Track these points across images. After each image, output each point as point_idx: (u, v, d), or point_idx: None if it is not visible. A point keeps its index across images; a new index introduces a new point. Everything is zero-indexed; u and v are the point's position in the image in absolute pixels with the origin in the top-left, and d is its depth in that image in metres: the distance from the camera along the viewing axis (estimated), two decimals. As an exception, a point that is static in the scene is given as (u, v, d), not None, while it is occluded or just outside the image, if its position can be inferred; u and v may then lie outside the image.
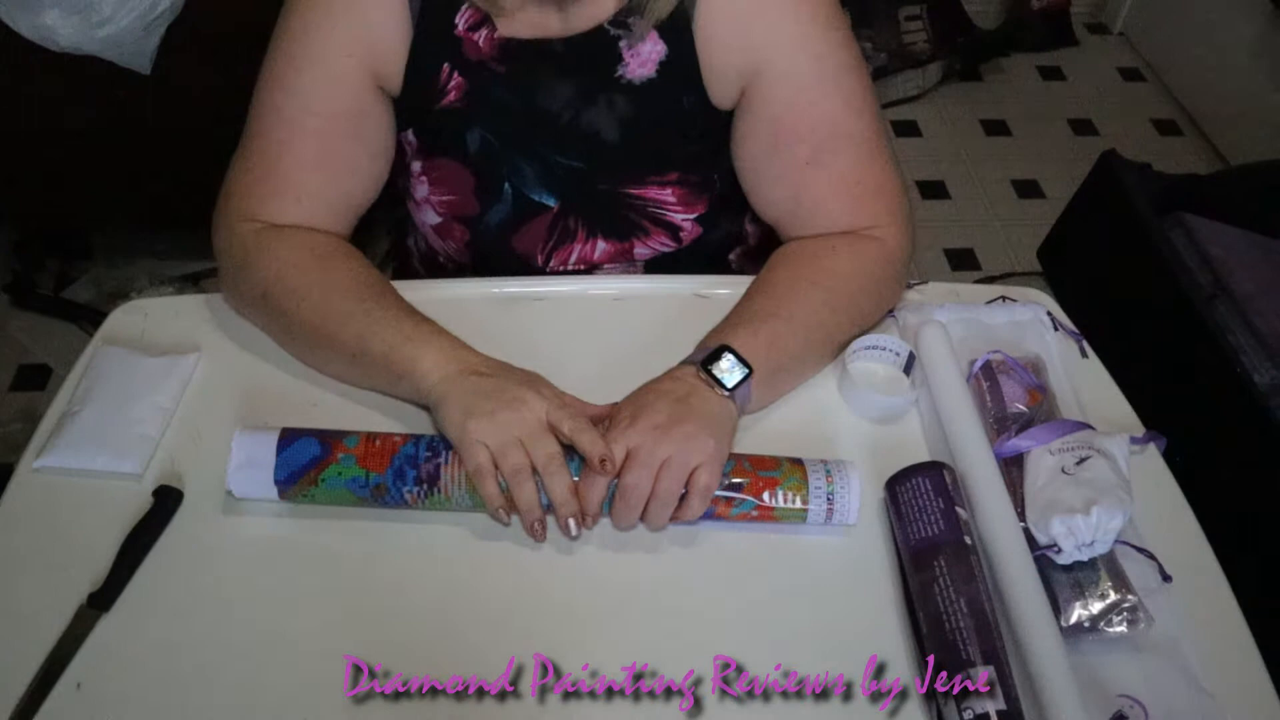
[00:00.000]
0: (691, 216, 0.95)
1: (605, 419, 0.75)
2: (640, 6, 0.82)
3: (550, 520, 0.73)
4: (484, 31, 0.84)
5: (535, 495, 0.71)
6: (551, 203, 0.94)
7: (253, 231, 0.82)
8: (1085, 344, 0.88)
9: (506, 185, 0.93)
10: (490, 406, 0.71)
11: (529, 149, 0.91)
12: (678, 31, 0.84)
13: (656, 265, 0.99)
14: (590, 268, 0.98)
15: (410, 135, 0.91)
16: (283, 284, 0.80)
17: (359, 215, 0.89)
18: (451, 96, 0.87)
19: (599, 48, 0.84)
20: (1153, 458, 0.81)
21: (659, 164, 0.92)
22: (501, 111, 0.88)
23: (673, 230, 0.96)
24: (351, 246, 0.85)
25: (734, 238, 1.06)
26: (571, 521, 0.71)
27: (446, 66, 0.85)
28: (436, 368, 0.75)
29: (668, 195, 0.93)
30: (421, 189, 0.95)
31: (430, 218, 0.97)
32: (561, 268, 0.98)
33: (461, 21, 0.84)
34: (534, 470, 0.71)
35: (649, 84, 0.86)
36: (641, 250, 0.97)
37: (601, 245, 0.96)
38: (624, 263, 0.98)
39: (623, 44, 0.84)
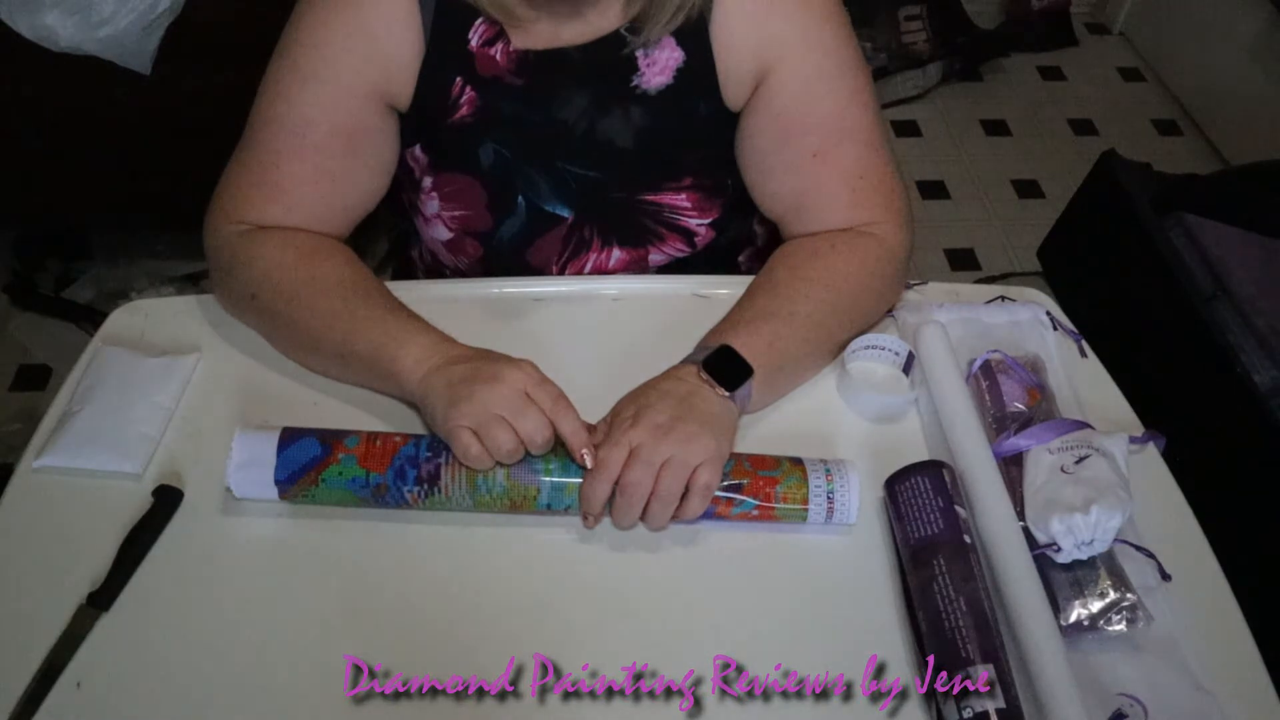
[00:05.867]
0: (706, 221, 0.95)
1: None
2: (654, 15, 0.82)
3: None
4: (499, 45, 0.84)
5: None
6: (566, 214, 0.93)
7: (240, 233, 0.82)
8: (1084, 344, 0.88)
9: (520, 198, 0.92)
10: (468, 390, 0.70)
11: (543, 161, 0.90)
12: (696, 38, 0.84)
13: (666, 270, 0.99)
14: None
15: (418, 151, 0.91)
16: (270, 285, 0.80)
17: (353, 225, 0.88)
18: (464, 111, 0.86)
19: (615, 56, 0.84)
20: (1152, 457, 0.81)
21: (673, 170, 0.92)
22: (515, 124, 0.87)
23: (688, 235, 0.96)
24: (339, 244, 0.85)
25: (743, 239, 1.06)
26: (585, 454, 0.71)
27: (459, 81, 0.85)
28: (419, 365, 0.74)
29: (682, 200, 0.93)
30: (432, 205, 0.95)
31: (441, 234, 0.97)
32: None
33: (475, 37, 0.83)
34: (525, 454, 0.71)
35: (666, 92, 0.86)
36: (656, 257, 0.97)
37: (617, 254, 0.96)
38: (637, 271, 0.98)
39: (639, 53, 0.84)
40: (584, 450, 0.71)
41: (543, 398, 0.71)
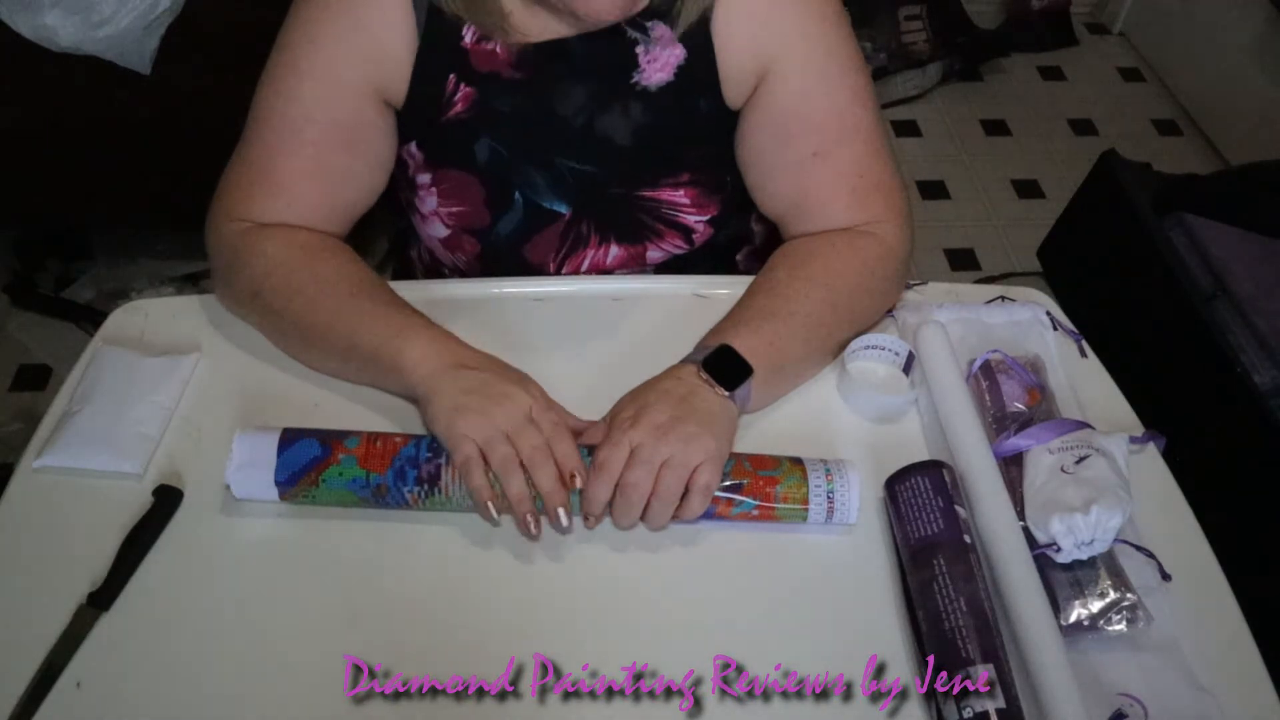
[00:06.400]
0: (704, 218, 0.95)
1: (582, 432, 0.76)
2: (661, 12, 0.82)
3: (550, 526, 0.73)
4: (497, 39, 0.84)
5: (525, 487, 0.70)
6: (563, 210, 0.93)
7: (240, 231, 0.82)
8: (1084, 344, 0.88)
9: (517, 194, 0.92)
10: (477, 402, 0.72)
11: (540, 157, 0.90)
12: (697, 35, 0.84)
13: (665, 268, 0.99)
14: (602, 274, 0.98)
15: (414, 148, 0.91)
16: (273, 282, 0.80)
17: (353, 222, 0.89)
18: (458, 108, 0.86)
19: (615, 50, 0.84)
20: (1153, 457, 0.81)
21: (672, 166, 0.92)
22: (512, 120, 0.87)
23: (685, 232, 0.96)
24: (341, 243, 0.85)
25: (741, 238, 1.06)
26: (561, 511, 0.71)
27: (453, 78, 0.85)
28: (424, 361, 0.75)
29: (680, 196, 0.93)
30: (429, 202, 0.95)
31: (438, 231, 0.97)
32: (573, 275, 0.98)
33: (469, 34, 0.83)
34: (522, 465, 0.71)
35: (666, 89, 0.86)
36: (654, 253, 0.97)
37: (614, 250, 0.96)
38: (635, 267, 0.98)
39: (639, 49, 0.84)
40: (574, 472, 0.71)
41: (545, 424, 0.72)
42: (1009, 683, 0.63)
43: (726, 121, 0.89)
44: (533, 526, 0.71)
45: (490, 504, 0.71)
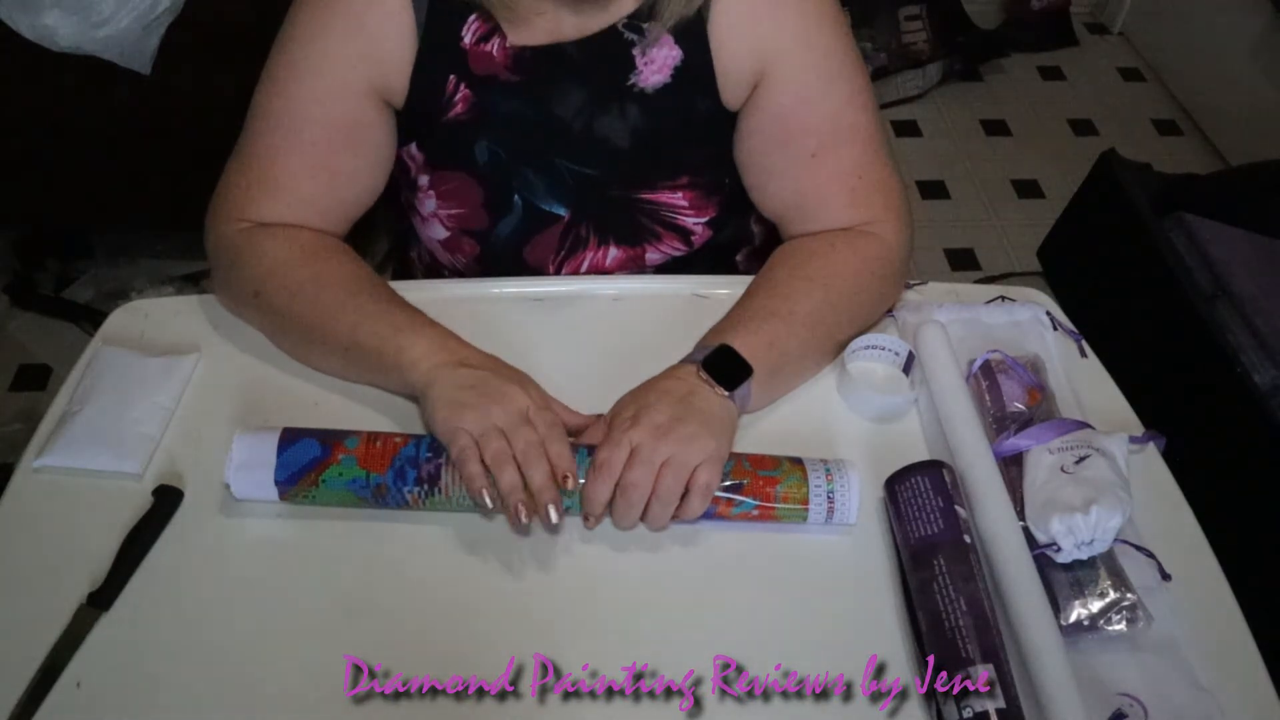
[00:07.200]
0: (703, 220, 0.95)
1: (584, 428, 0.76)
2: (656, 11, 0.82)
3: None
4: (495, 41, 0.84)
5: (517, 478, 0.70)
6: (562, 212, 0.93)
7: (241, 231, 0.82)
8: (1084, 344, 0.88)
9: (516, 197, 0.92)
10: (474, 398, 0.72)
11: (539, 159, 0.90)
12: (693, 36, 0.84)
13: (664, 269, 0.99)
14: (601, 274, 0.98)
15: (414, 149, 0.91)
16: (274, 281, 0.80)
17: (352, 222, 0.89)
18: (458, 109, 0.86)
19: (612, 52, 0.84)
20: (1153, 457, 0.81)
21: (670, 168, 0.92)
22: (511, 123, 0.87)
23: (684, 234, 0.96)
24: (341, 242, 0.85)
25: (741, 239, 1.06)
26: (551, 508, 0.70)
27: (453, 79, 0.85)
28: (425, 357, 0.75)
29: (679, 199, 0.93)
30: (429, 204, 0.95)
31: (438, 232, 0.97)
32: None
33: (468, 35, 0.83)
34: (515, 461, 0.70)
35: (663, 90, 0.86)
36: (653, 255, 0.97)
37: (613, 252, 0.96)
38: (634, 269, 0.98)
39: (636, 50, 0.84)
40: (566, 473, 0.71)
41: (540, 423, 0.72)
42: (1009, 683, 0.63)
43: (725, 123, 0.89)
44: (523, 515, 0.70)
45: (485, 492, 0.70)
